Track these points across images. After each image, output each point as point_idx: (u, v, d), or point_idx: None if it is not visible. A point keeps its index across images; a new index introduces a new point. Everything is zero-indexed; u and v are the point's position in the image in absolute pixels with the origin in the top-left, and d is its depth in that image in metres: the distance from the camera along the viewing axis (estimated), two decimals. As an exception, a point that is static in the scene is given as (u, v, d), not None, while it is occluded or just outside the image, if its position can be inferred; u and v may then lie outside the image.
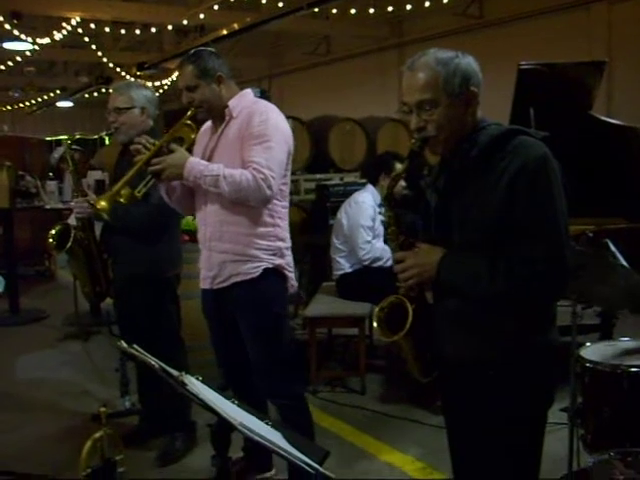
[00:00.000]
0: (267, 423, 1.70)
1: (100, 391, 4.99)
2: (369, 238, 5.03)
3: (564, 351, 2.35)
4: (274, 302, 3.10)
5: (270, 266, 3.04)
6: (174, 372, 1.59)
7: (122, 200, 2.97)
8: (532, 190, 1.89)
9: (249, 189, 2.85)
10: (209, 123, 3.22)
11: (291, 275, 3.16)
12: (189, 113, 3.07)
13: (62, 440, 4.19)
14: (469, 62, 2.01)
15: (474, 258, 1.97)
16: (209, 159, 3.08)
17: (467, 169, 2.01)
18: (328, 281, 5.53)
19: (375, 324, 2.11)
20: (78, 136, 4.33)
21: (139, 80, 12.31)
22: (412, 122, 2.02)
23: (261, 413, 1.77)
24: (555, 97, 4.25)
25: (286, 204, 3.15)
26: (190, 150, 3.13)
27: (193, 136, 3.13)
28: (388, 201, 2.13)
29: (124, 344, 1.86)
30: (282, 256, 3.10)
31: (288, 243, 3.16)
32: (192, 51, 3.16)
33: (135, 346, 1.82)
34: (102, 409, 2.97)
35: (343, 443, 4.06)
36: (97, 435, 2.91)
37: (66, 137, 4.53)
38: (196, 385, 1.54)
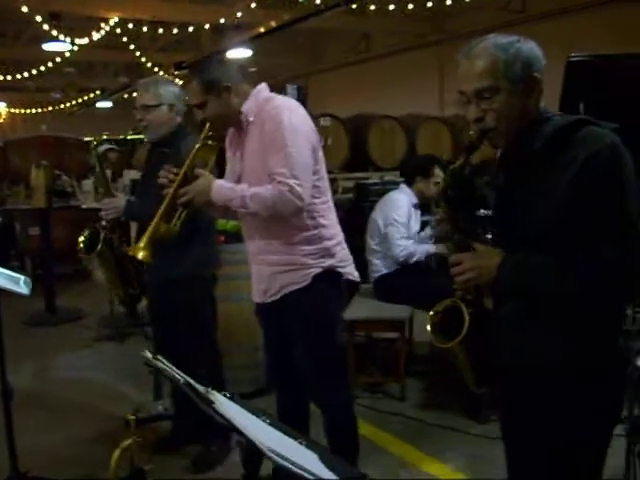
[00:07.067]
0: (301, 443, 1.56)
1: (134, 394, 4.92)
2: (405, 234, 4.88)
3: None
4: (326, 307, 3.00)
5: (319, 270, 2.92)
6: (200, 388, 1.46)
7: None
8: (602, 183, 1.72)
9: (278, 204, 2.72)
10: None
11: (346, 270, 3.02)
12: (205, 130, 2.92)
13: (95, 444, 4.11)
14: (531, 47, 1.86)
15: (537, 259, 1.81)
16: (240, 171, 2.98)
17: (530, 163, 1.85)
18: (366, 283, 5.37)
19: (429, 329, 1.97)
20: (104, 137, 4.22)
21: (166, 76, 12.28)
22: (470, 112, 1.87)
23: (295, 431, 1.62)
24: (608, 91, 4.03)
25: (326, 199, 3.00)
26: (220, 164, 3.07)
27: (214, 156, 3.02)
28: (445, 197, 1.98)
29: (148, 354, 1.73)
30: (332, 255, 2.96)
31: (337, 239, 3.01)
32: (194, 64, 3.03)
33: (160, 357, 1.69)
34: (131, 417, 2.88)
35: (381, 451, 3.91)
36: (126, 444, 2.82)
37: (92, 138, 4.50)
38: (224, 404, 1.40)
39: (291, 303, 2.97)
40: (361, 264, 5.65)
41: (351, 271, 3.07)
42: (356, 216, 6.65)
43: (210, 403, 1.41)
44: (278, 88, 6.47)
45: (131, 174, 7.21)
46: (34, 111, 22.82)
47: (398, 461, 3.82)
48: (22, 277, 3.16)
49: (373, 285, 5.07)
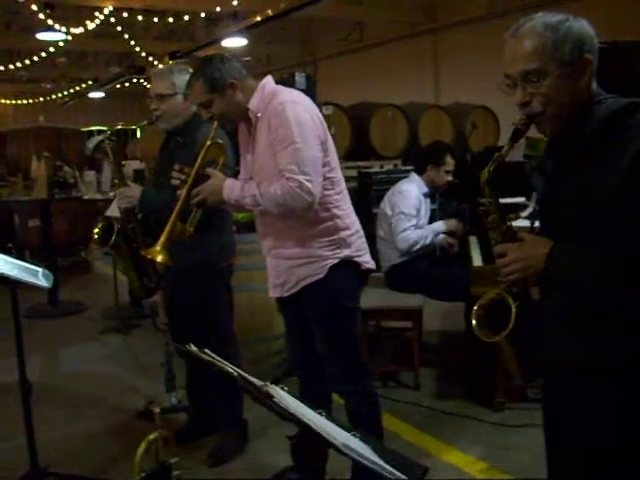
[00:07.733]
0: (355, 435, 1.53)
1: (144, 386, 4.86)
2: (408, 225, 4.85)
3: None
4: (343, 297, 2.98)
5: (336, 261, 2.91)
6: (257, 382, 1.42)
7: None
8: None
9: (288, 201, 2.70)
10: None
11: (362, 259, 3.00)
12: (214, 129, 2.91)
13: (111, 438, 4.08)
14: (582, 25, 1.76)
15: (587, 249, 1.72)
16: (252, 167, 2.97)
17: (581, 149, 1.76)
18: (375, 272, 5.33)
19: (474, 322, 1.90)
20: (119, 126, 4.15)
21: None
22: (517, 96, 1.78)
23: (347, 425, 1.59)
24: (619, 78, 4.00)
25: (340, 189, 2.96)
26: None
27: (224, 154, 3.01)
28: (490, 186, 1.89)
29: (194, 348, 1.69)
30: (348, 245, 2.94)
31: (353, 228, 2.99)
32: (197, 64, 3.00)
33: (207, 351, 1.65)
34: (155, 409, 2.84)
35: (401, 442, 3.87)
36: (151, 437, 2.77)
37: (105, 128, 4.42)
38: (284, 398, 1.36)
39: (309, 295, 2.97)
40: (371, 252, 5.65)
41: (367, 260, 3.06)
42: (360, 205, 6.62)
43: (270, 397, 1.37)
44: (286, 76, 6.41)
45: (134, 164, 7.13)
46: (25, 102, 22.62)
47: (417, 451, 3.77)
48: (40, 269, 3.11)
49: (384, 274, 5.04)
